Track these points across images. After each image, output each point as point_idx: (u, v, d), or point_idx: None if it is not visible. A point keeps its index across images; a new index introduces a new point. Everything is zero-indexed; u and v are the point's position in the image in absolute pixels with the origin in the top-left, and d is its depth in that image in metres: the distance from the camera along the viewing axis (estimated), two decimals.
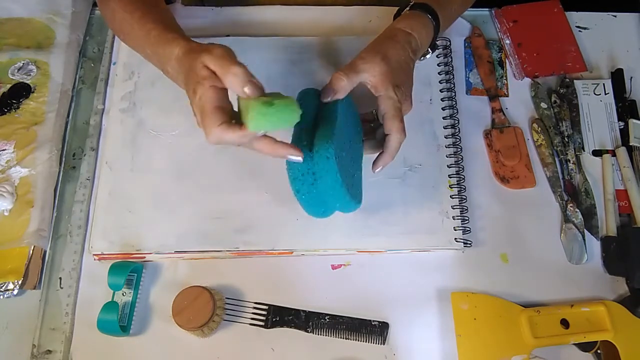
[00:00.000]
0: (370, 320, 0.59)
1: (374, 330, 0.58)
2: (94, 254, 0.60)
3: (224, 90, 0.49)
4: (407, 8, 0.61)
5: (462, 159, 0.65)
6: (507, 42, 0.75)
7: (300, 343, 0.58)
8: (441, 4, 0.62)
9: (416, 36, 0.59)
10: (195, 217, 0.62)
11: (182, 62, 0.53)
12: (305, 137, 0.52)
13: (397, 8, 0.64)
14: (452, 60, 0.71)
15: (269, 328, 0.59)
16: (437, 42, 0.66)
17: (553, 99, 0.71)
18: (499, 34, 0.76)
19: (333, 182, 0.50)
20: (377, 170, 0.57)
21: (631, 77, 0.74)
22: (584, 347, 0.58)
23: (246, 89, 0.47)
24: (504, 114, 0.70)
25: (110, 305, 0.56)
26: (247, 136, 0.48)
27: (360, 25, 0.74)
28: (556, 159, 0.68)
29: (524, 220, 0.65)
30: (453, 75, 0.70)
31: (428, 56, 0.68)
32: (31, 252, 0.60)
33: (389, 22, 0.64)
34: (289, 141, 0.52)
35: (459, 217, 0.62)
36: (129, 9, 0.60)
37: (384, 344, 0.58)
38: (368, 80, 0.55)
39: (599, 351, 0.58)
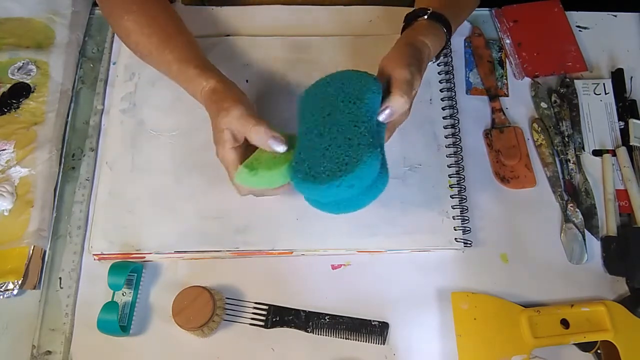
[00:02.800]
0: (370, 320, 0.59)
1: (374, 330, 0.58)
2: (93, 254, 0.60)
3: (241, 147, 0.55)
4: (425, 16, 0.60)
5: (462, 159, 0.65)
6: (507, 41, 0.75)
7: (300, 343, 0.58)
8: (455, 16, 0.62)
9: (432, 53, 0.59)
10: (195, 217, 0.62)
11: (206, 105, 0.57)
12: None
13: (399, 8, 0.64)
14: (452, 60, 0.71)
15: (269, 328, 0.59)
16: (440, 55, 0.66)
17: (553, 98, 0.71)
18: (499, 33, 0.76)
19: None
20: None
21: (631, 77, 0.74)
22: (584, 347, 0.58)
23: (270, 143, 0.52)
24: (504, 113, 0.70)
25: (110, 305, 0.56)
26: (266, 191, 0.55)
27: (360, 25, 0.74)
28: (556, 158, 0.68)
29: (524, 220, 0.65)
30: (453, 75, 0.70)
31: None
32: (31, 252, 0.60)
33: (390, 22, 0.64)
34: None
35: (459, 217, 0.62)
36: (146, 32, 0.61)
37: (384, 344, 0.58)
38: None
39: (599, 351, 0.58)
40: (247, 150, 0.55)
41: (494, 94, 0.71)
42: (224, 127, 0.53)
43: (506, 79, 0.73)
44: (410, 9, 0.62)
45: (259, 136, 0.52)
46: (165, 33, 0.61)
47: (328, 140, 0.51)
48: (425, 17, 0.60)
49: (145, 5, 0.62)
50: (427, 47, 0.58)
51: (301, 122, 0.54)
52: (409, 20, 0.61)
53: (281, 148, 0.52)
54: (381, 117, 0.52)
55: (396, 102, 0.52)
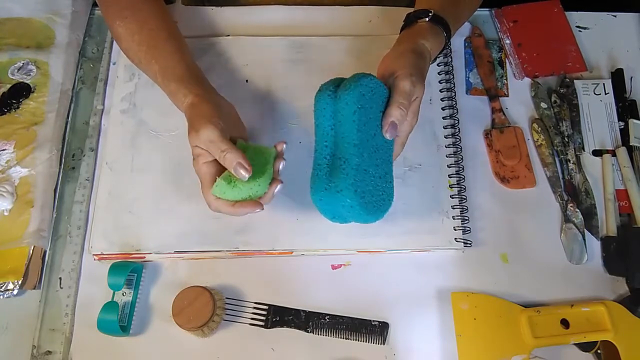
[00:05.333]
0: (370, 320, 0.59)
1: (374, 330, 0.58)
2: (93, 254, 0.60)
3: (214, 162, 0.54)
4: (427, 19, 0.60)
5: (462, 159, 0.65)
6: (507, 42, 0.75)
7: (300, 343, 0.58)
8: (455, 19, 0.63)
9: (432, 56, 0.60)
10: (195, 217, 0.62)
11: (187, 118, 0.56)
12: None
13: (398, 8, 0.64)
14: (452, 60, 0.71)
15: (269, 328, 0.59)
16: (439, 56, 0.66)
17: (553, 99, 0.71)
18: (499, 34, 0.76)
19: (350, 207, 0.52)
20: None
21: (631, 77, 0.74)
22: (584, 347, 0.58)
23: (234, 170, 0.52)
24: (504, 114, 0.70)
25: (110, 305, 0.56)
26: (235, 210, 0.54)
27: (360, 25, 0.74)
28: (556, 159, 0.68)
29: (524, 220, 0.65)
30: (453, 75, 0.70)
31: None
32: (31, 252, 0.60)
33: (389, 22, 0.64)
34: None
35: (459, 217, 0.62)
36: (136, 39, 0.61)
37: (384, 344, 0.58)
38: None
39: (599, 351, 0.58)
40: (217, 167, 0.55)
41: (494, 94, 0.71)
42: (193, 144, 0.54)
43: (506, 79, 0.73)
44: (410, 9, 0.62)
45: (227, 163, 0.52)
46: (153, 41, 0.60)
47: (374, 168, 0.53)
48: (427, 19, 0.60)
49: (137, 10, 0.61)
50: (428, 52, 0.58)
51: (341, 130, 0.53)
52: (410, 21, 0.61)
53: (245, 177, 0.52)
54: (388, 135, 0.53)
55: (396, 114, 0.53)
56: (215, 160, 0.54)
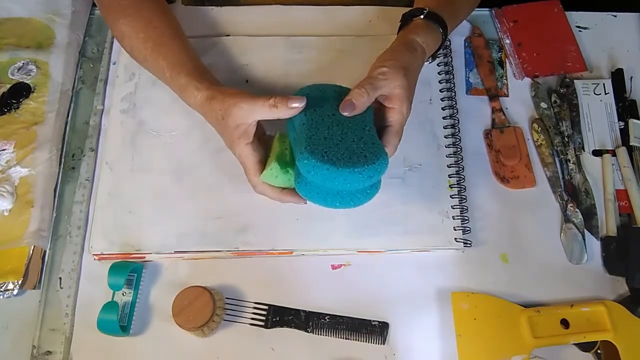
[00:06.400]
0: (370, 320, 0.59)
1: (374, 330, 0.58)
2: (93, 254, 0.60)
3: (255, 142, 0.55)
4: (422, 16, 0.60)
5: (462, 159, 0.65)
6: (507, 42, 0.75)
7: (300, 343, 0.58)
8: (452, 16, 0.62)
9: (427, 52, 0.59)
10: (195, 217, 0.62)
11: (204, 113, 0.57)
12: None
13: (398, 8, 0.64)
14: (452, 60, 0.71)
15: (269, 328, 0.59)
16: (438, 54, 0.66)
17: (553, 98, 0.71)
18: (499, 33, 0.76)
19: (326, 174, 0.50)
20: None
21: (631, 77, 0.74)
22: (584, 347, 0.58)
23: (291, 105, 0.52)
24: (504, 113, 0.70)
25: (110, 305, 0.56)
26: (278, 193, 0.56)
27: (360, 25, 0.74)
28: (556, 159, 0.68)
29: (524, 220, 0.65)
30: (453, 75, 0.70)
31: (426, 64, 0.69)
32: (31, 252, 0.60)
33: (389, 22, 0.64)
34: None
35: (459, 217, 0.62)
36: (141, 36, 0.61)
37: (384, 344, 0.58)
38: (385, 93, 0.55)
39: (599, 351, 0.58)
40: (258, 149, 0.56)
41: (494, 94, 0.71)
42: (238, 122, 0.53)
43: (506, 79, 0.73)
44: (408, 9, 0.63)
45: (278, 105, 0.52)
46: (159, 38, 0.61)
47: (340, 135, 0.52)
48: (421, 16, 0.60)
49: (141, 9, 0.62)
50: (420, 46, 0.58)
51: (299, 115, 0.54)
52: (405, 20, 0.62)
53: (301, 106, 0.52)
54: (345, 112, 0.53)
55: (352, 92, 0.53)
56: (256, 141, 0.55)
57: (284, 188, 0.56)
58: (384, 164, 0.51)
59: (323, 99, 0.55)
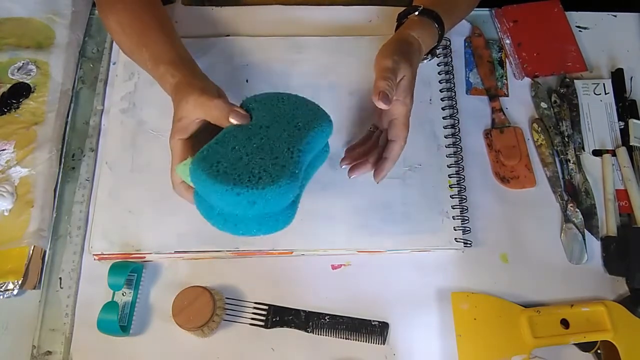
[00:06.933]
0: (370, 320, 0.59)
1: (374, 330, 0.58)
2: (93, 254, 0.60)
3: (188, 141, 0.53)
4: (416, 12, 0.61)
5: (462, 159, 0.65)
6: (507, 42, 0.75)
7: (300, 343, 0.58)
8: (448, 13, 0.63)
9: (423, 46, 0.60)
10: (195, 217, 0.61)
11: (172, 100, 0.55)
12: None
13: (398, 8, 0.64)
14: (452, 60, 0.71)
15: (269, 328, 0.59)
16: (437, 50, 0.66)
17: (553, 98, 0.71)
18: (499, 33, 0.76)
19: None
20: (380, 180, 0.58)
21: (631, 77, 0.74)
22: (584, 347, 0.58)
23: (231, 118, 0.50)
24: (504, 113, 0.70)
25: (110, 305, 0.56)
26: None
27: (360, 25, 0.74)
28: (556, 159, 0.68)
29: (524, 220, 0.65)
30: (453, 75, 0.70)
31: (425, 62, 0.69)
32: (31, 252, 0.60)
33: (389, 22, 0.64)
34: None
35: (459, 217, 0.62)
36: (127, 31, 0.61)
37: (384, 344, 0.58)
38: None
39: (599, 351, 0.58)
40: (196, 147, 0.53)
41: (494, 94, 0.71)
42: (180, 115, 0.52)
43: (506, 79, 0.73)
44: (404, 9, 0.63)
45: (218, 110, 0.50)
46: (144, 31, 0.60)
47: (254, 149, 0.48)
48: (416, 13, 0.61)
49: (130, 3, 0.62)
50: (415, 40, 0.59)
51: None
52: (401, 19, 0.62)
53: (244, 121, 0.50)
54: (382, 104, 0.52)
55: (382, 84, 0.52)
56: (197, 143, 0.52)
57: None
58: (277, 193, 0.45)
59: (271, 109, 0.52)
